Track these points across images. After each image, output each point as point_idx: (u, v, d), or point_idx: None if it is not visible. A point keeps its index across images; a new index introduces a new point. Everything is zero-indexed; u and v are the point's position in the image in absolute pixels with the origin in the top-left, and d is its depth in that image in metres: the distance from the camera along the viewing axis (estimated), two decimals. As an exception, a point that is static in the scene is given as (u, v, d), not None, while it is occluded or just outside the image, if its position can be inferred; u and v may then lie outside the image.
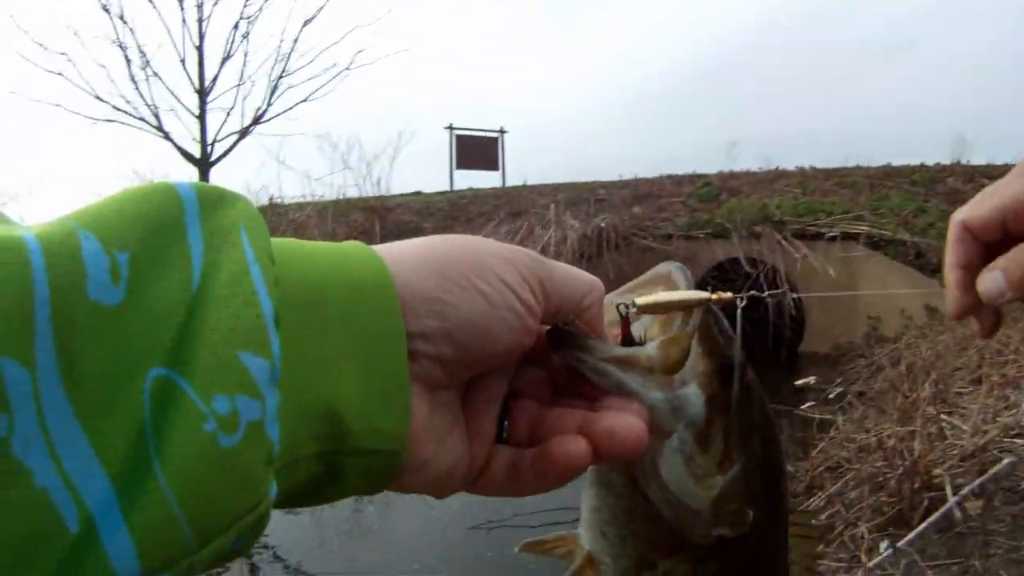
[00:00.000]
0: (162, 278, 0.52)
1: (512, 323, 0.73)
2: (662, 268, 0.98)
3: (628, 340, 0.88)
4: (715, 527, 0.92)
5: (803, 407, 9.76)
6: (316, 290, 0.63)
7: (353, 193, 23.01)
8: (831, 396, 10.74)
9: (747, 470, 0.93)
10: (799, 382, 10.83)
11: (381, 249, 0.71)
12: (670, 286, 0.94)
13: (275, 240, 0.63)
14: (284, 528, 9.38)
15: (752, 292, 1.05)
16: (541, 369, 0.85)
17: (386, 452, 0.65)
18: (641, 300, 0.88)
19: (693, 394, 0.88)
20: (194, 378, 0.50)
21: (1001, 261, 1.04)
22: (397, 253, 0.71)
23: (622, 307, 0.88)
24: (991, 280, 1.04)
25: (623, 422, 0.76)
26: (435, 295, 0.69)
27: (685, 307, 0.90)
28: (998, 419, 6.67)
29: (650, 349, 0.84)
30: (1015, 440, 6.14)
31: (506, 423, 0.82)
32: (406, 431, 0.66)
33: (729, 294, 0.96)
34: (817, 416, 9.44)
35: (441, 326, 0.69)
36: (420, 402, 0.69)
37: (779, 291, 1.28)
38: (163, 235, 0.54)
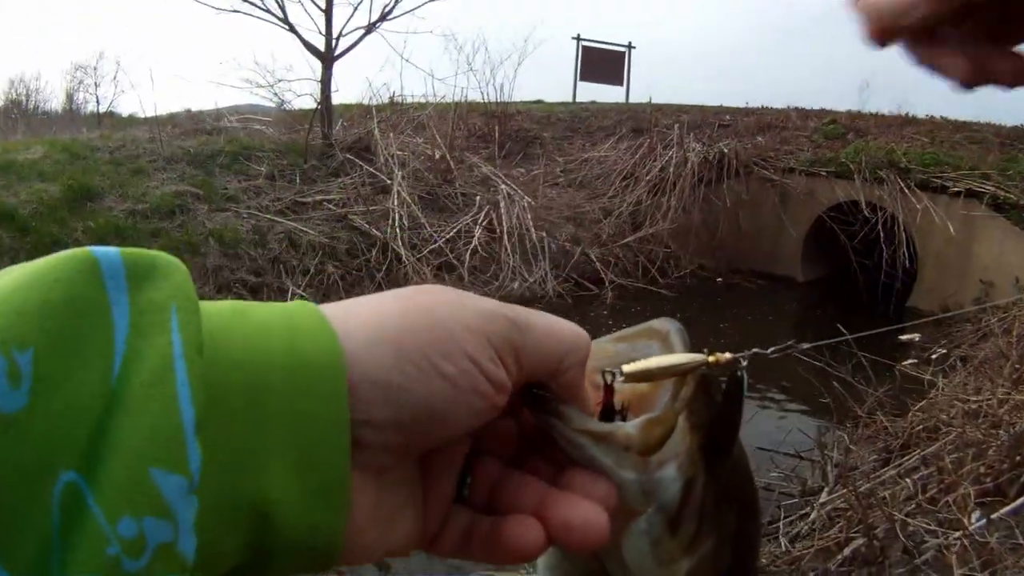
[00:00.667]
0: (76, 371, 0.49)
1: (476, 406, 0.68)
2: (659, 324, 0.92)
3: (610, 408, 0.83)
4: None
5: (904, 363, 9.64)
6: (255, 377, 0.58)
7: (475, 96, 22.90)
8: (934, 356, 10.59)
9: (717, 551, 0.88)
10: (903, 337, 10.71)
11: (337, 315, 0.65)
12: (665, 345, 0.88)
13: (215, 311, 0.60)
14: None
15: (756, 350, 0.96)
16: (511, 421, 0.81)
17: (321, 548, 0.61)
18: (629, 368, 0.83)
19: (670, 477, 0.81)
20: (102, 495, 0.47)
21: None
22: (354, 322, 0.65)
23: (608, 375, 0.83)
24: None
25: (582, 515, 0.73)
26: (389, 379, 0.64)
27: (678, 374, 0.84)
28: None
29: (630, 428, 0.77)
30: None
31: (468, 480, 0.79)
32: (342, 527, 0.62)
33: (728, 355, 0.89)
34: (923, 375, 9.33)
35: (393, 415, 0.64)
36: (365, 490, 0.65)
37: (786, 345, 1.04)
38: (77, 321, 0.50)
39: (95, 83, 43.21)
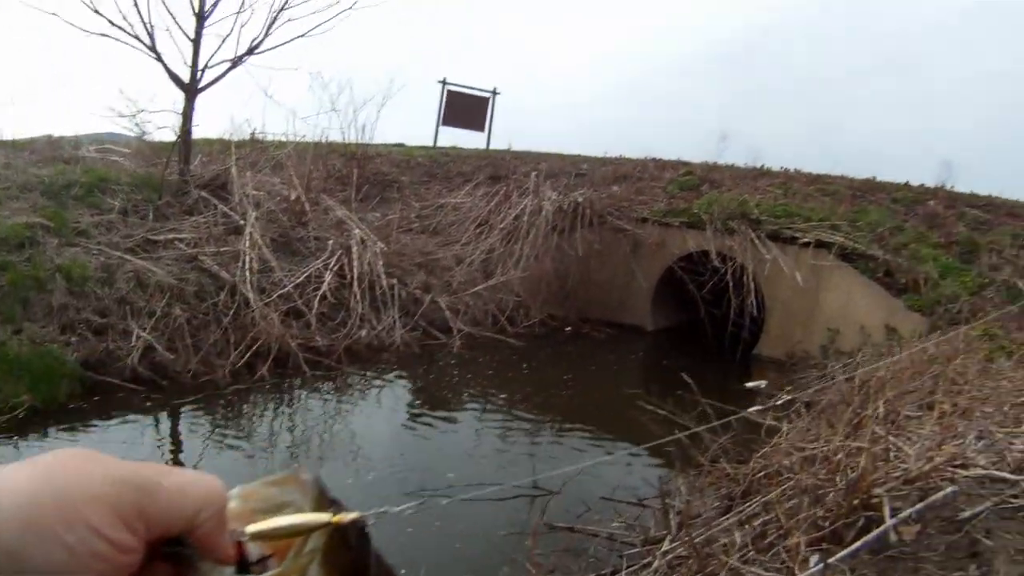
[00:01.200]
0: None
1: (98, 567, 0.73)
2: (303, 474, 0.96)
3: (244, 563, 0.87)
4: None
5: (750, 410, 9.77)
6: None
7: (336, 137, 22.89)
8: (780, 402, 10.78)
9: None
10: (749, 384, 10.94)
11: None
12: (303, 492, 0.93)
13: None
14: (214, 458, 9.40)
15: (385, 508, 1.06)
16: (165, 565, 0.83)
17: None
18: (253, 528, 0.87)
19: None
20: None
21: None
22: None
23: (237, 533, 0.86)
24: None
25: None
26: (13, 548, 0.69)
27: (301, 533, 0.89)
28: (944, 447, 6.71)
29: None
30: (958, 471, 6.17)
31: None
32: None
33: (355, 514, 0.93)
34: (764, 421, 9.48)
35: None
36: None
37: (418, 502, 1.28)
38: None
39: (-50, 102, 42.20)
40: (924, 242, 18.63)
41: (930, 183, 23.19)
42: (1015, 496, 5.63)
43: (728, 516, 7.13)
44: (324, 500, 0.92)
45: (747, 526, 6.52)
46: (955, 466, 6.30)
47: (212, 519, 0.81)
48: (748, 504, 7.23)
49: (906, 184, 22.97)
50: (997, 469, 6.16)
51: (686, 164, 24.41)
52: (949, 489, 5.74)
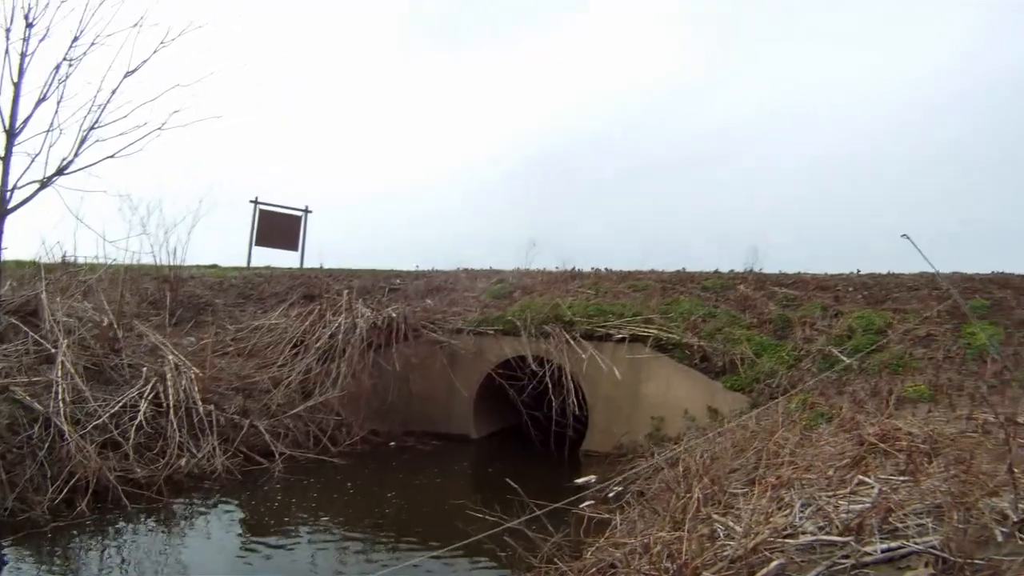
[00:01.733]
0: None
1: None
2: None
3: None
4: None
5: (581, 506, 9.86)
6: None
7: (148, 260, 22.60)
8: (610, 495, 10.91)
9: None
10: (578, 480, 11.03)
11: None
12: None
13: None
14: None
15: None
16: None
17: None
18: None
19: None
20: None
21: None
22: None
23: None
24: None
25: None
26: None
27: None
28: (771, 520, 6.86)
29: None
30: (787, 540, 6.32)
31: None
32: None
33: None
34: (595, 515, 9.59)
35: None
36: None
37: None
38: None
39: None
40: (737, 324, 19.33)
41: (739, 268, 24.21)
42: (846, 556, 5.82)
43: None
44: None
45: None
46: (785, 536, 6.48)
47: None
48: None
49: (715, 272, 23.89)
50: (826, 533, 6.36)
51: (498, 272, 24.77)
52: (776, 563, 5.90)
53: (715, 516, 7.55)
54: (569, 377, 18.74)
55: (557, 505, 9.10)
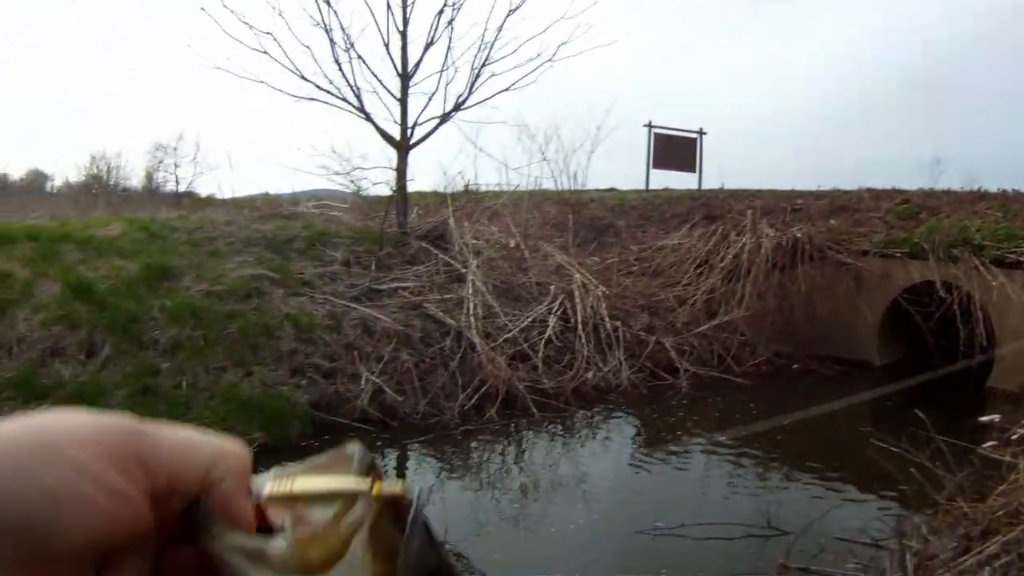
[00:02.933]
0: None
1: (86, 514, 0.66)
2: (348, 448, 0.83)
3: (266, 527, 0.77)
4: None
5: (984, 446, 9.43)
6: None
7: (549, 185, 23.07)
8: (1014, 437, 10.38)
9: None
10: (983, 418, 10.52)
11: None
12: (348, 467, 0.81)
13: None
14: (444, 510, 9.53)
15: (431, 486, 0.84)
16: (190, 548, 0.76)
17: None
18: (271, 489, 0.78)
19: None
20: None
21: None
22: None
23: (254, 496, 0.77)
24: None
25: None
26: None
27: (330, 498, 0.78)
28: None
29: (281, 546, 0.74)
30: None
31: None
32: None
33: (397, 488, 0.81)
34: (1003, 457, 9.14)
35: None
36: None
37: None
38: None
39: (175, 163, 44.05)
40: None
41: None
42: None
43: (967, 557, 6.90)
44: (370, 472, 0.80)
45: (988, 567, 6.30)
46: None
47: (230, 477, 0.75)
48: (988, 544, 6.97)
49: None
50: None
51: (902, 192, 23.69)
52: None
53: None
54: (978, 306, 17.76)
55: (960, 443, 8.71)
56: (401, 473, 11.32)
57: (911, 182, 24.63)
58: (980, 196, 22.47)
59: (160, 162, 43.88)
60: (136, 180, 43.20)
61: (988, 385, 17.57)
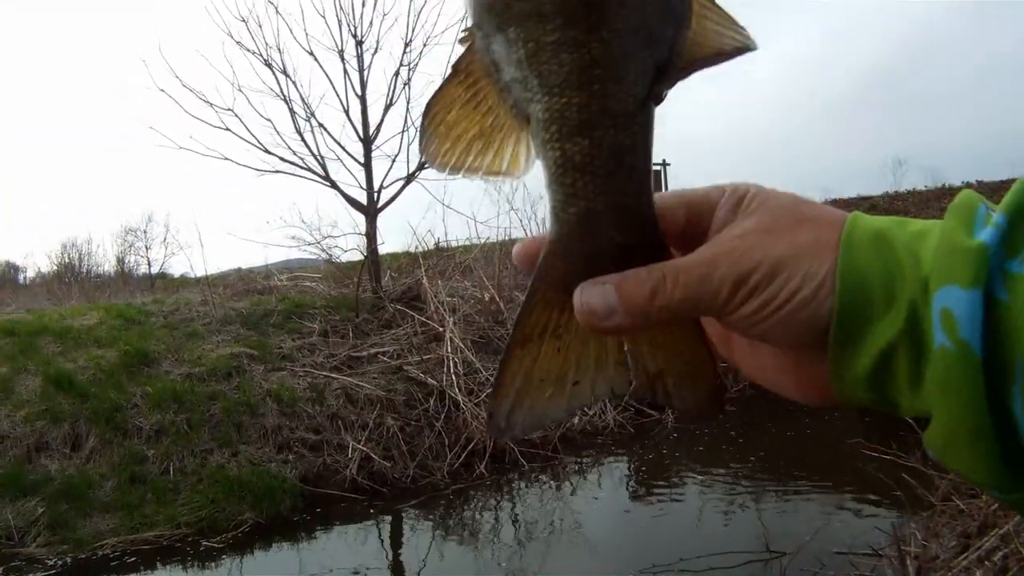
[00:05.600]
0: None
1: None
2: None
3: None
4: None
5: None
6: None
7: (519, 234, 23.06)
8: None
9: None
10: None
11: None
12: None
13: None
14: (440, 556, 9.54)
15: None
16: None
17: None
18: None
19: None
20: None
21: (617, 278, 0.85)
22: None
23: None
24: (599, 295, 0.85)
25: None
26: None
27: None
28: None
29: None
30: None
31: None
32: None
33: None
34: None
35: None
36: None
37: None
38: None
39: (145, 246, 44.36)
40: None
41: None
42: None
43: (966, 554, 6.94)
44: None
45: (987, 562, 6.33)
46: None
47: None
48: (985, 539, 7.02)
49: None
50: None
51: (868, 199, 24.38)
52: None
53: None
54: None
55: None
56: (396, 539, 11.31)
57: (876, 186, 24.92)
58: (945, 192, 22.82)
59: (131, 245, 44.20)
60: (108, 265, 43.40)
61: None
